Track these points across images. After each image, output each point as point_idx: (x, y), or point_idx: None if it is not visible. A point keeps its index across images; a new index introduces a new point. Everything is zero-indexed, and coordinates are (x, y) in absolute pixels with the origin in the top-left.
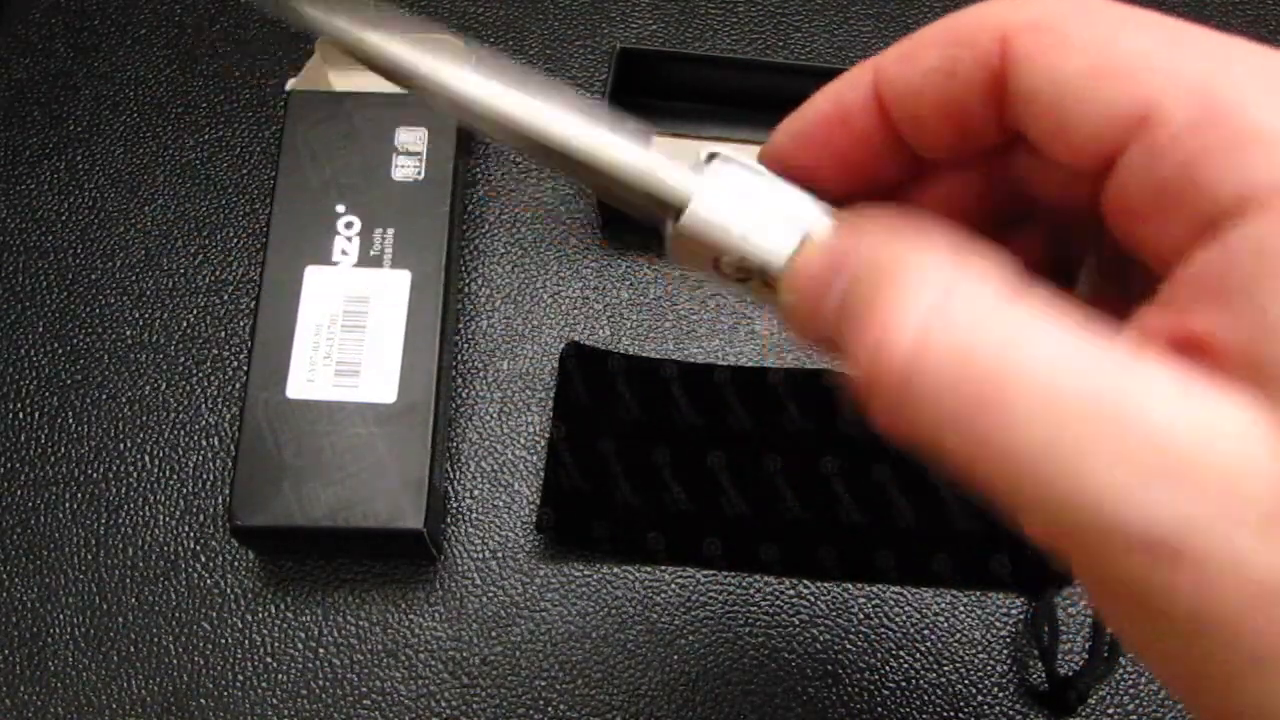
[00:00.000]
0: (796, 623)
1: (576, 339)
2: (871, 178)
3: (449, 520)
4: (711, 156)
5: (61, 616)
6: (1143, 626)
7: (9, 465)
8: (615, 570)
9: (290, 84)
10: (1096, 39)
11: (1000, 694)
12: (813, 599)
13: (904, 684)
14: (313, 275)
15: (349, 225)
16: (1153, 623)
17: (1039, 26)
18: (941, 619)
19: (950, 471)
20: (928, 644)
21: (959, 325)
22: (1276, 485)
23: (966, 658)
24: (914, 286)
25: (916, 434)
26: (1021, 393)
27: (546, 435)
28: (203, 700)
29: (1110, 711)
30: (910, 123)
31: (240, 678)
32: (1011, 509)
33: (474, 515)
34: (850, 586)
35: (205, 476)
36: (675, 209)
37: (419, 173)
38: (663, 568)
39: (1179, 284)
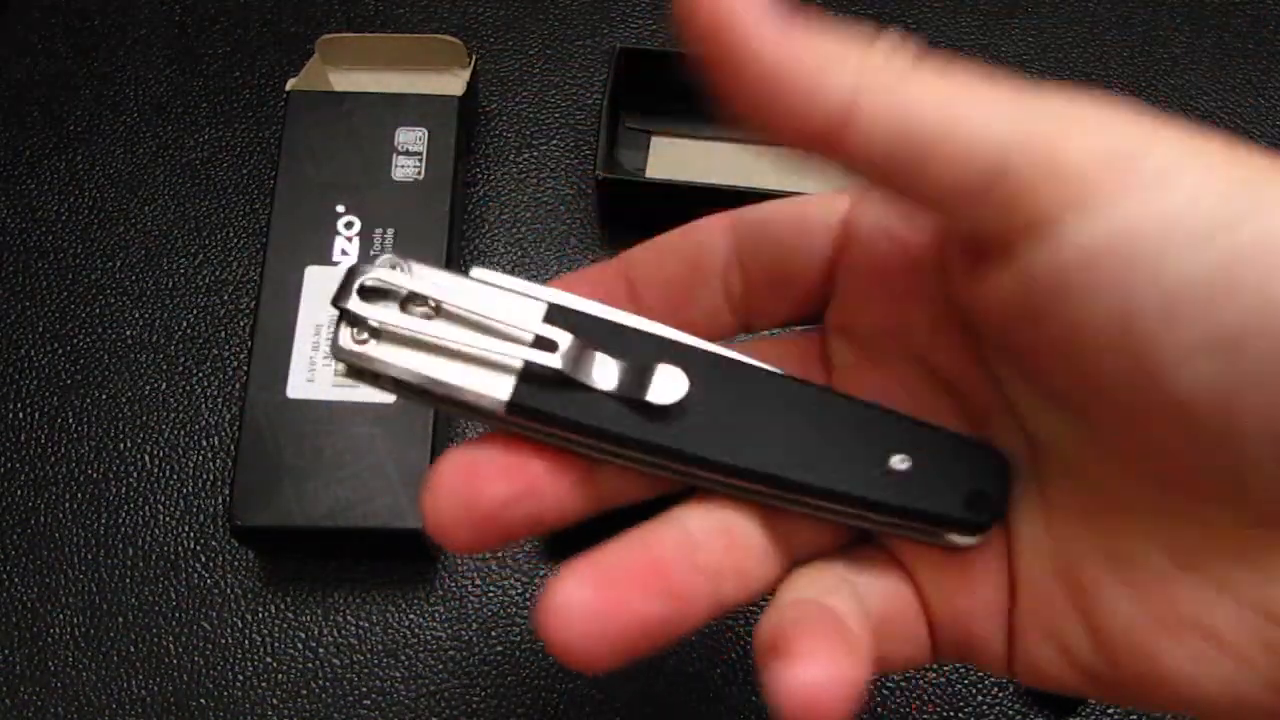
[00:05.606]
0: None
1: None
2: None
3: None
4: None
5: (61, 616)
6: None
7: (9, 465)
8: None
9: (290, 84)
10: None
11: (1000, 694)
12: None
13: (904, 684)
14: (313, 275)
15: (349, 225)
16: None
17: None
18: None
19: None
20: None
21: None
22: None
23: None
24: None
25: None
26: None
27: None
28: (203, 700)
29: (1110, 712)
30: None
31: (240, 678)
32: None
33: None
34: None
35: (205, 476)
36: None
37: (419, 173)
38: None
39: None
